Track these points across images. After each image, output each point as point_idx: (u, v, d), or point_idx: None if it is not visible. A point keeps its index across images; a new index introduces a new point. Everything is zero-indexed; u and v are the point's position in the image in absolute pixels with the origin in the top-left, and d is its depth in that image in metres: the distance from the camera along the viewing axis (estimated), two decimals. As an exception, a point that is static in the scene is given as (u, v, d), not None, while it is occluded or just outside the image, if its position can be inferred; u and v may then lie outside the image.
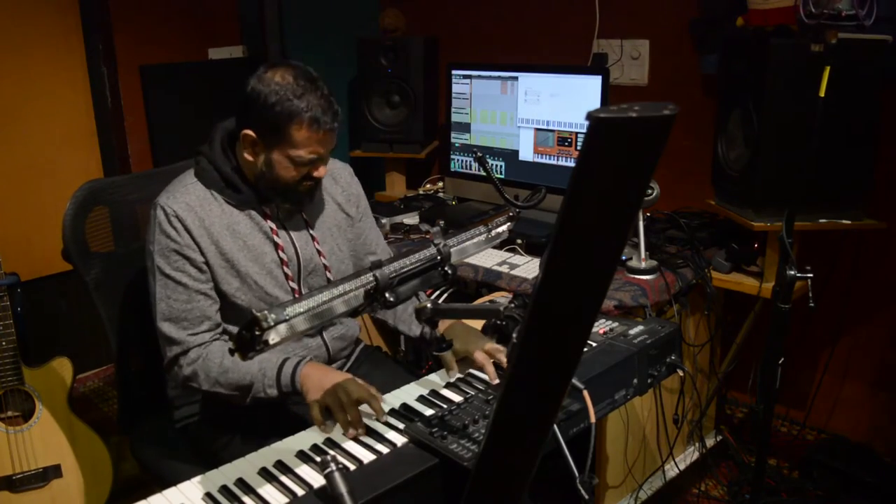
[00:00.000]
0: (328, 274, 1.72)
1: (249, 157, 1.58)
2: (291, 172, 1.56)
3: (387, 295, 1.28)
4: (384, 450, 1.31)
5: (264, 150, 1.55)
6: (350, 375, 1.48)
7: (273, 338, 1.12)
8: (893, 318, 2.36)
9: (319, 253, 1.71)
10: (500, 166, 2.77)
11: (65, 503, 2.23)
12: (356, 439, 1.36)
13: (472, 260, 2.30)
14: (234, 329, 1.62)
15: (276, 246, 1.64)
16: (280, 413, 1.63)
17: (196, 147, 1.66)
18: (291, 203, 1.64)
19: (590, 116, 0.59)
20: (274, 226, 1.65)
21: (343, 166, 1.87)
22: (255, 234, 1.63)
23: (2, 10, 2.81)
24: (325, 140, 1.55)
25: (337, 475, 1.10)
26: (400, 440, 1.33)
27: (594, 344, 1.55)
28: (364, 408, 1.42)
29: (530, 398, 0.77)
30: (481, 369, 1.59)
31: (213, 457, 1.57)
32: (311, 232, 1.71)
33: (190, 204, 1.57)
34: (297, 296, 1.48)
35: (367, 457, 1.30)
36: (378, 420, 1.40)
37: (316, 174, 1.59)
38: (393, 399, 1.51)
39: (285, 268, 1.65)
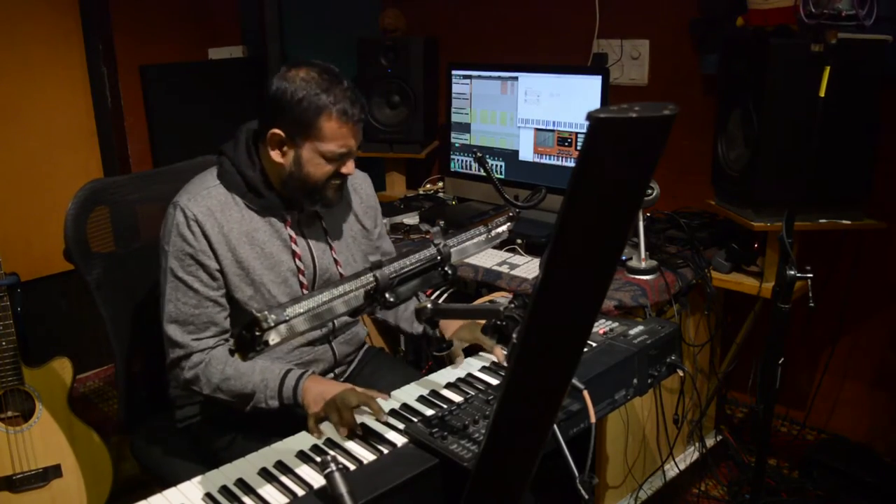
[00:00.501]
0: None
1: (278, 158, 1.56)
2: (322, 169, 1.55)
3: (387, 295, 1.28)
4: (384, 450, 1.31)
5: (293, 147, 1.54)
6: (350, 386, 1.48)
7: (273, 338, 1.12)
8: (893, 318, 2.36)
9: (336, 262, 1.71)
10: (500, 166, 2.77)
11: (65, 503, 2.23)
12: (357, 439, 1.37)
13: (472, 260, 2.30)
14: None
15: (294, 254, 1.64)
16: (281, 413, 1.62)
17: (198, 145, 1.65)
18: (321, 203, 1.61)
19: (590, 116, 0.59)
20: (293, 233, 1.64)
21: (364, 177, 1.86)
22: (273, 241, 1.62)
23: (2, 10, 2.81)
24: (354, 133, 1.55)
25: (337, 475, 1.10)
26: (400, 440, 1.33)
27: (594, 344, 1.55)
28: (364, 407, 1.42)
29: (530, 398, 0.77)
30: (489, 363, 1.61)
31: (213, 457, 1.57)
32: (329, 241, 1.71)
33: (211, 208, 1.55)
34: None
35: (367, 457, 1.30)
36: (378, 419, 1.40)
37: (345, 170, 1.58)
38: (393, 399, 1.50)
39: (301, 276, 1.64)
